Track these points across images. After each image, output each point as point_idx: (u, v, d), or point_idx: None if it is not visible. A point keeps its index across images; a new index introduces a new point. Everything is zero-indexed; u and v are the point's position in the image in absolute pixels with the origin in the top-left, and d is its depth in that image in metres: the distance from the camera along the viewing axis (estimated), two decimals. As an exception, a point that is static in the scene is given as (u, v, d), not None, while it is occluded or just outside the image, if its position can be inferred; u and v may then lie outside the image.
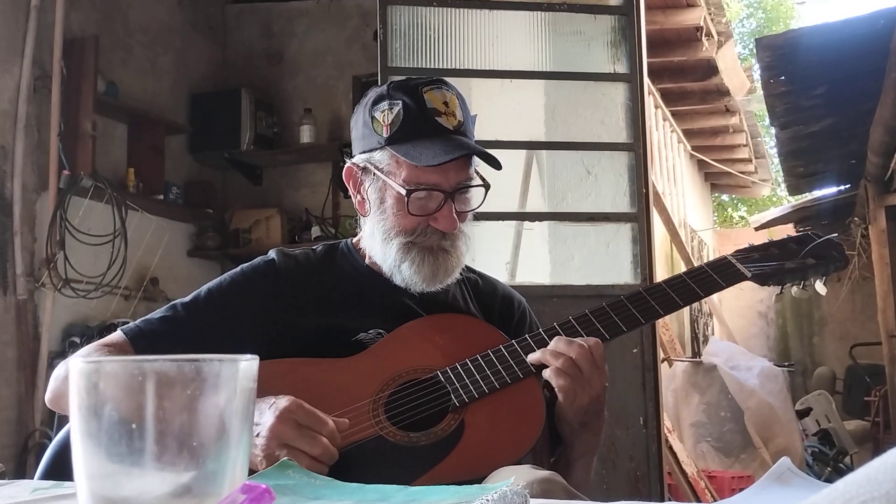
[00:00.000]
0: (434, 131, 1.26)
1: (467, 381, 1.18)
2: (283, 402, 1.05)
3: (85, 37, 3.91)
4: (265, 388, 1.11)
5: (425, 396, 1.18)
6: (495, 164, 1.28)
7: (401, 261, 1.28)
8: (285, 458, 0.93)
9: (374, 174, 1.30)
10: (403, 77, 1.36)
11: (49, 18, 3.72)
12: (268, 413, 1.05)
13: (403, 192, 1.25)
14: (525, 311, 1.47)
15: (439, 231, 1.27)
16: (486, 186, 1.32)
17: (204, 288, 1.34)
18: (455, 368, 1.20)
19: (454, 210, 1.27)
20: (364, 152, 1.32)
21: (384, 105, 1.29)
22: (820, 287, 1.34)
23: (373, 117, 1.29)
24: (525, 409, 1.18)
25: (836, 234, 1.39)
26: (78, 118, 3.76)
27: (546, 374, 1.18)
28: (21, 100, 3.61)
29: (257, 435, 1.04)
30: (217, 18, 5.01)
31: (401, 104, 1.27)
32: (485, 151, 1.27)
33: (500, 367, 1.20)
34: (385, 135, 1.27)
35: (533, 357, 1.20)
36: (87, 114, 3.77)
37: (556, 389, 1.17)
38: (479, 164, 1.32)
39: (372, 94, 1.34)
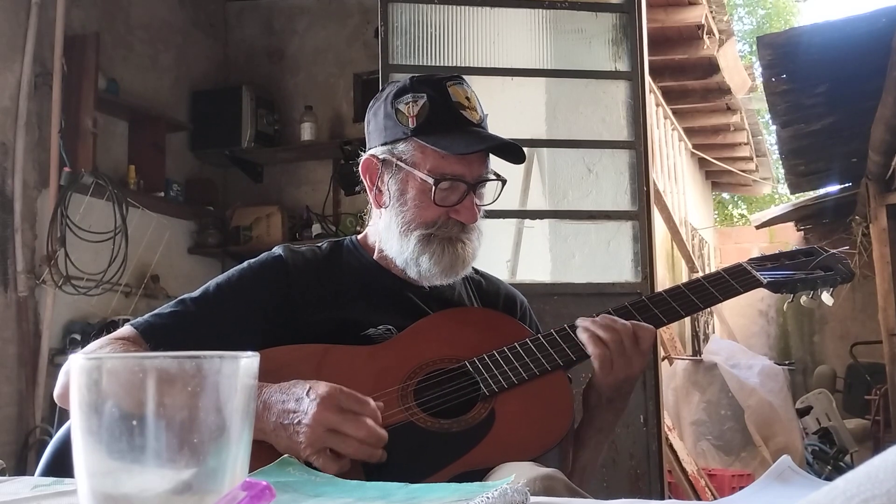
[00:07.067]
0: (460, 123, 1.29)
1: (496, 371, 1.20)
2: (321, 387, 1.05)
3: (86, 34, 3.91)
4: (294, 371, 1.12)
5: (454, 385, 1.19)
6: (518, 159, 1.30)
7: (420, 253, 1.29)
8: (286, 456, 0.92)
9: (397, 165, 1.31)
10: (423, 73, 1.37)
11: (50, 15, 3.72)
12: (306, 400, 1.04)
13: (430, 181, 1.26)
14: (527, 310, 1.50)
15: (459, 223, 1.29)
16: (503, 181, 1.34)
17: (212, 282, 1.34)
18: (483, 359, 1.22)
19: (475, 202, 1.30)
20: (385, 144, 1.32)
21: (408, 98, 1.30)
22: (827, 298, 1.39)
23: (397, 109, 1.30)
24: (555, 400, 1.20)
25: (847, 248, 1.45)
26: (79, 115, 3.76)
27: (584, 338, 1.22)
28: (22, 97, 3.61)
29: (298, 423, 1.03)
30: (218, 16, 5.01)
31: (426, 97, 1.29)
32: (513, 143, 1.29)
33: (528, 360, 1.21)
34: (411, 126, 1.28)
35: (581, 322, 1.23)
36: (88, 111, 3.77)
37: (593, 358, 1.21)
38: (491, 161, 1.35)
39: (391, 87, 1.34)
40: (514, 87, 3.07)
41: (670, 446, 3.97)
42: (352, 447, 1.02)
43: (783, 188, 10.76)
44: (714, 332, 7.27)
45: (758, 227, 7.94)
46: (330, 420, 1.02)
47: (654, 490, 2.74)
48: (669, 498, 3.45)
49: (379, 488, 0.80)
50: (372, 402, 1.06)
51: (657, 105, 5.97)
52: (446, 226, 1.29)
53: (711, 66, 5.86)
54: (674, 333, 5.47)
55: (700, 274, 5.45)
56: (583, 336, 1.22)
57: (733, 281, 1.33)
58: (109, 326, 3.63)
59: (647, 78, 3.09)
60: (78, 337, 3.69)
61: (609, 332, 1.20)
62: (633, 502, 0.70)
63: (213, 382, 0.51)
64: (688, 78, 6.06)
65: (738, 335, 7.59)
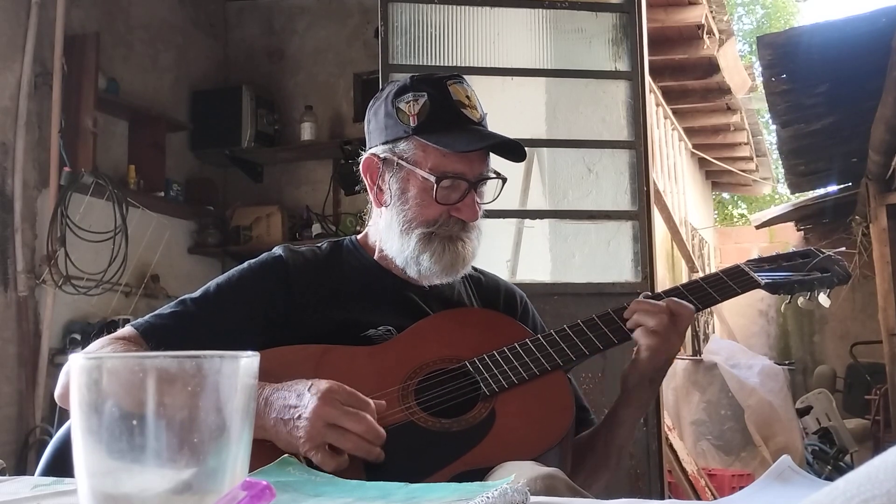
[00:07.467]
0: (461, 122, 1.29)
1: (496, 371, 1.20)
2: (322, 384, 1.06)
3: (86, 34, 3.91)
4: (294, 371, 1.12)
5: (454, 385, 1.19)
6: (519, 157, 1.30)
7: (420, 251, 1.29)
8: (286, 456, 0.92)
9: (398, 164, 1.31)
10: (424, 73, 1.37)
11: (50, 15, 3.72)
12: (307, 395, 1.05)
13: (432, 179, 1.27)
14: (527, 304, 1.50)
15: (460, 221, 1.30)
16: (503, 180, 1.34)
17: (212, 283, 1.34)
18: (483, 359, 1.22)
19: (476, 200, 1.31)
20: (386, 143, 1.33)
21: (409, 96, 1.30)
22: (823, 299, 1.40)
23: (397, 108, 1.31)
24: (555, 400, 1.21)
25: (843, 248, 1.45)
26: (79, 115, 3.76)
27: (637, 333, 1.23)
28: (22, 96, 3.61)
29: (298, 417, 1.04)
30: (218, 15, 5.01)
31: (426, 96, 1.29)
32: (514, 141, 1.29)
33: (528, 360, 1.22)
34: (412, 124, 1.29)
35: (629, 315, 1.24)
36: (88, 111, 3.77)
37: (641, 346, 1.23)
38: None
39: (392, 87, 1.35)
40: (514, 87, 3.07)
41: (670, 446, 3.97)
42: (351, 442, 1.03)
43: (783, 188, 10.76)
44: (714, 332, 7.27)
45: (758, 227, 7.94)
46: (329, 414, 1.02)
47: (654, 490, 2.74)
48: (669, 498, 3.45)
49: (379, 488, 0.80)
50: (372, 403, 1.07)
51: (657, 105, 5.97)
52: (447, 224, 1.29)
53: (711, 66, 5.86)
54: (674, 333, 5.46)
55: (700, 274, 5.45)
56: (639, 335, 1.23)
57: (731, 282, 1.33)
58: (109, 326, 3.63)
59: (647, 78, 3.09)
60: (78, 337, 3.69)
61: (658, 318, 1.21)
62: (633, 502, 0.70)
63: (214, 382, 0.51)
64: (688, 78, 6.06)
65: (738, 335, 7.59)
